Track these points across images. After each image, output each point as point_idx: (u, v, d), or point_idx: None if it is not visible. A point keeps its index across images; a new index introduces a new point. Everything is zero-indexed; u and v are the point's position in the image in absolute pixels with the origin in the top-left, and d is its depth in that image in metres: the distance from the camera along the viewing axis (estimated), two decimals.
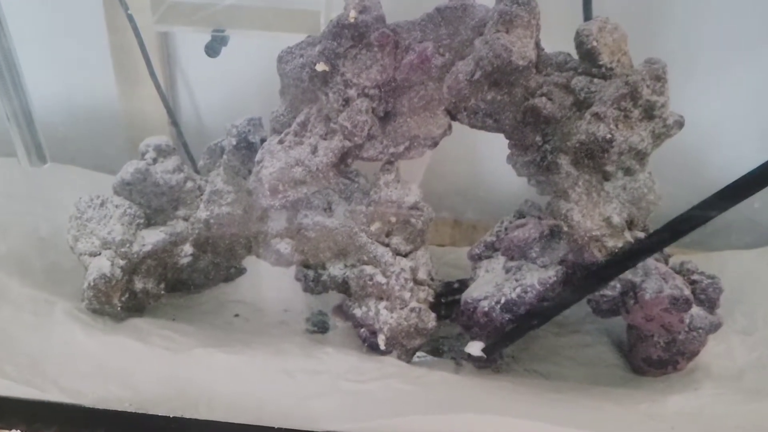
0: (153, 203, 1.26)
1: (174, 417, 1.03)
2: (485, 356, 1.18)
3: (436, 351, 1.29)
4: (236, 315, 1.36)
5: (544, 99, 1.05)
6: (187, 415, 1.04)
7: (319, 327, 1.34)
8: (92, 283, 1.17)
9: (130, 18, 1.36)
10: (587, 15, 1.18)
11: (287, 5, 1.42)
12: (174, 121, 1.53)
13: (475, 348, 1.19)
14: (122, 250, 1.20)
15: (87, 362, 1.12)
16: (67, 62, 1.60)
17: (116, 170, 1.26)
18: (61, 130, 1.47)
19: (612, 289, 1.11)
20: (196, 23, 1.39)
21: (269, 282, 1.40)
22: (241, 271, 1.40)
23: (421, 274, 1.21)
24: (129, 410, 1.04)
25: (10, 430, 1.00)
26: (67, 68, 1.60)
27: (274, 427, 1.02)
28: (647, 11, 1.36)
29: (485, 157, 1.51)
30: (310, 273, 1.25)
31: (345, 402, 1.08)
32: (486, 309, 1.15)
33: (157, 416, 1.04)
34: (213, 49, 1.39)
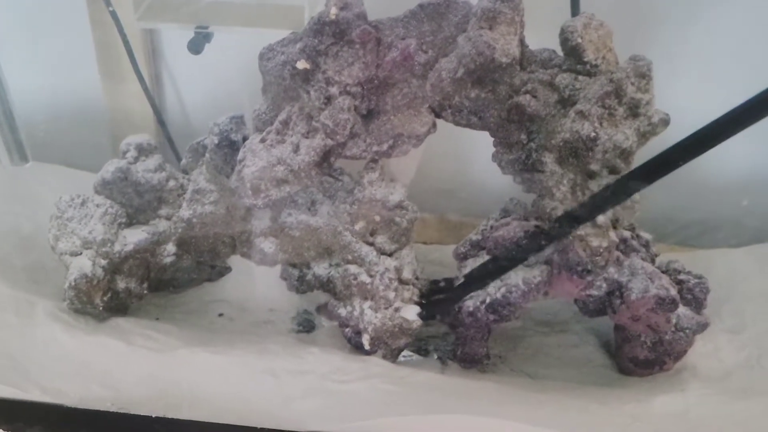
0: (135, 202, 1.25)
1: (157, 417, 1.03)
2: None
3: (421, 350, 1.28)
4: (220, 314, 1.35)
5: (528, 96, 1.04)
6: (170, 416, 1.03)
7: (305, 326, 1.33)
8: (73, 283, 1.16)
9: (113, 15, 1.35)
10: (575, 11, 1.17)
11: (270, 1, 1.41)
12: (160, 119, 1.51)
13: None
14: (103, 249, 1.19)
15: (69, 362, 1.11)
16: (50, 59, 1.58)
17: (100, 168, 1.25)
18: (42, 128, 1.45)
19: (598, 289, 1.10)
20: (179, 20, 1.38)
21: (254, 281, 1.39)
22: (225, 271, 1.39)
23: (406, 274, 1.20)
24: (111, 410, 1.04)
25: None
26: (50, 65, 1.59)
27: (257, 428, 1.02)
28: (635, 7, 1.35)
29: (471, 155, 1.50)
30: (295, 272, 1.24)
31: (329, 402, 1.08)
32: (471, 309, 1.14)
33: (140, 416, 1.03)
34: (196, 46, 1.38)
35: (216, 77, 1.55)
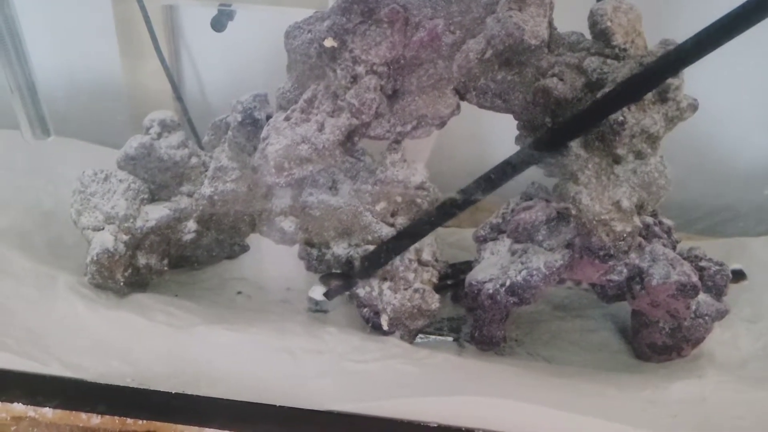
0: (157, 178, 1.25)
1: (176, 393, 1.03)
2: (327, 300, 1.24)
3: (439, 331, 1.28)
4: (239, 292, 1.36)
5: (555, 79, 1.03)
6: (189, 392, 1.04)
7: (322, 306, 1.33)
8: (95, 258, 1.17)
9: None
10: None
11: None
12: (178, 96, 1.51)
13: (317, 293, 1.24)
14: (125, 225, 1.20)
15: (89, 337, 1.12)
16: (70, 34, 1.58)
17: (119, 144, 1.25)
18: (63, 103, 1.46)
19: (619, 274, 1.10)
20: None
21: (272, 260, 1.40)
22: (244, 249, 1.40)
23: (426, 255, 1.20)
24: (131, 385, 1.04)
25: (12, 403, 1.00)
26: (71, 40, 1.59)
27: (275, 405, 1.02)
28: None
29: (492, 137, 1.50)
30: (314, 252, 1.24)
31: (347, 382, 1.08)
32: (491, 291, 1.14)
33: (159, 392, 1.04)
34: (219, 23, 1.37)
35: (235, 55, 1.55)
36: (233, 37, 1.43)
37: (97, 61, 1.60)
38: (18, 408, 1.00)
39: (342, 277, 1.23)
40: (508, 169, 1.05)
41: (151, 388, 1.04)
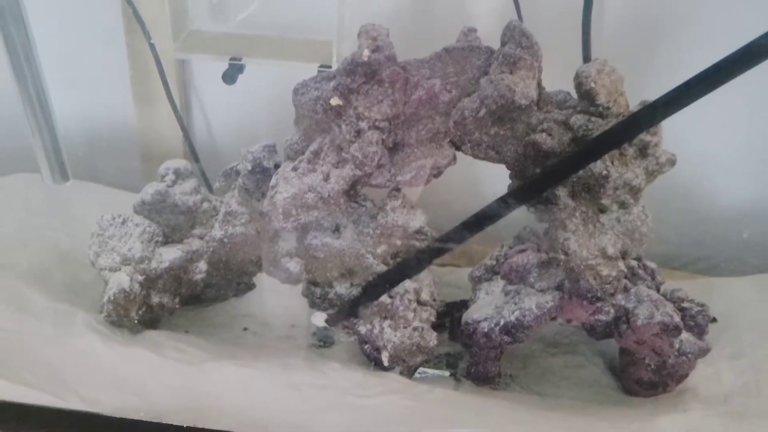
0: (171, 222, 1.31)
1: (187, 427, 1.06)
2: (329, 326, 1.29)
3: (437, 366, 1.33)
4: (245, 329, 1.40)
5: (544, 135, 1.11)
6: (199, 425, 1.06)
7: (325, 342, 1.38)
8: (112, 297, 1.22)
9: (152, 47, 1.42)
10: (586, 56, 1.24)
11: (301, 36, 1.48)
12: (190, 143, 1.57)
13: (318, 319, 1.29)
14: (141, 266, 1.26)
15: (105, 372, 1.15)
16: (86, 84, 1.65)
17: (133, 186, 1.31)
18: (82, 149, 1.52)
19: (606, 314, 1.16)
20: (215, 51, 1.45)
21: (277, 298, 1.44)
22: (250, 287, 1.45)
23: (424, 295, 1.25)
24: (144, 419, 1.07)
25: None
26: (86, 90, 1.65)
27: None
28: (641, 52, 1.42)
29: (486, 184, 1.56)
30: (317, 290, 1.29)
31: (352, 417, 1.11)
32: (486, 330, 1.20)
33: (171, 425, 1.07)
34: (231, 76, 1.44)
35: (243, 106, 1.61)
36: (241, 88, 1.49)
37: (113, 110, 1.65)
38: None
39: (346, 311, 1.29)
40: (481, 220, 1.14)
41: (163, 422, 1.07)
